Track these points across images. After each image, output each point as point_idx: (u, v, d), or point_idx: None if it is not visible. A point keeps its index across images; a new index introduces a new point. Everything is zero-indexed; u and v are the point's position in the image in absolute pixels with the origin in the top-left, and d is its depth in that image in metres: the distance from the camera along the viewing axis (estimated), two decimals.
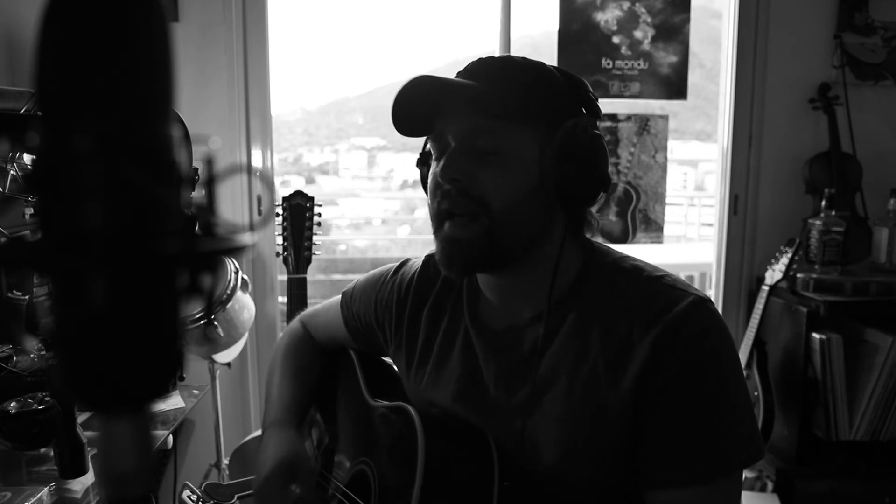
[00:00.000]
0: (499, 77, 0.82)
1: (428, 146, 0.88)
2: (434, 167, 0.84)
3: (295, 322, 1.24)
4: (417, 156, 0.91)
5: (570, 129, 0.80)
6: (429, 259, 1.03)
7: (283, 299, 1.93)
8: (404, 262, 1.08)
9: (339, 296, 1.15)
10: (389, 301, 1.04)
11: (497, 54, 0.87)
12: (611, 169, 2.24)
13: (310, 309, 1.25)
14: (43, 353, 1.50)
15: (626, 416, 0.79)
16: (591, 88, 0.88)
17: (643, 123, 2.32)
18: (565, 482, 0.83)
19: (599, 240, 0.94)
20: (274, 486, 0.96)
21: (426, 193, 0.87)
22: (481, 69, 0.84)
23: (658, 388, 0.77)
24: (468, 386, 0.91)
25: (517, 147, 0.81)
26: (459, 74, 0.85)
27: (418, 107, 0.82)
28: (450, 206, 0.81)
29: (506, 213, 0.80)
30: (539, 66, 0.85)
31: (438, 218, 0.83)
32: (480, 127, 0.80)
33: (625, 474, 0.81)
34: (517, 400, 0.86)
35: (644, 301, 0.81)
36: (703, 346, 0.77)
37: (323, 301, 1.21)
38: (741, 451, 0.78)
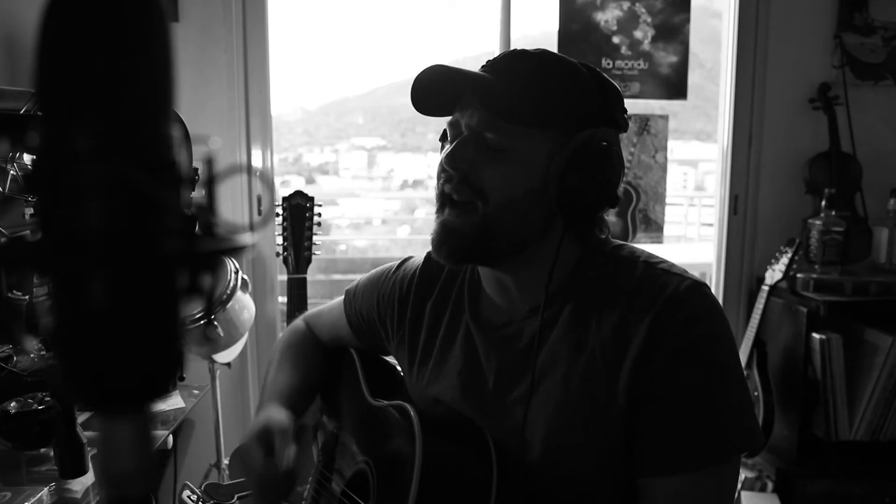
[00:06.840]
0: (519, 77, 0.81)
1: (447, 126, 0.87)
2: (446, 149, 0.84)
3: (297, 321, 1.24)
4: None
5: (583, 140, 0.79)
6: (430, 255, 1.02)
7: (283, 299, 1.93)
8: (406, 259, 1.08)
9: (343, 295, 1.16)
10: (392, 297, 1.04)
11: (533, 47, 0.85)
12: None
13: (313, 309, 1.24)
14: (43, 353, 1.50)
15: (623, 406, 0.78)
16: (622, 98, 0.86)
17: (643, 123, 2.32)
18: (559, 474, 0.83)
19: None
20: (253, 453, 0.92)
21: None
22: (506, 64, 0.83)
23: (652, 372, 0.77)
24: (470, 381, 0.92)
25: (525, 148, 0.80)
26: (488, 63, 0.84)
27: (437, 93, 0.83)
28: (451, 191, 0.81)
29: (502, 210, 0.80)
30: (568, 69, 0.83)
31: (440, 200, 0.84)
32: (491, 123, 0.80)
33: (619, 468, 0.81)
34: (517, 393, 0.86)
35: (639, 287, 0.81)
36: (698, 329, 0.77)
37: (324, 301, 1.21)
38: (734, 437, 0.77)
